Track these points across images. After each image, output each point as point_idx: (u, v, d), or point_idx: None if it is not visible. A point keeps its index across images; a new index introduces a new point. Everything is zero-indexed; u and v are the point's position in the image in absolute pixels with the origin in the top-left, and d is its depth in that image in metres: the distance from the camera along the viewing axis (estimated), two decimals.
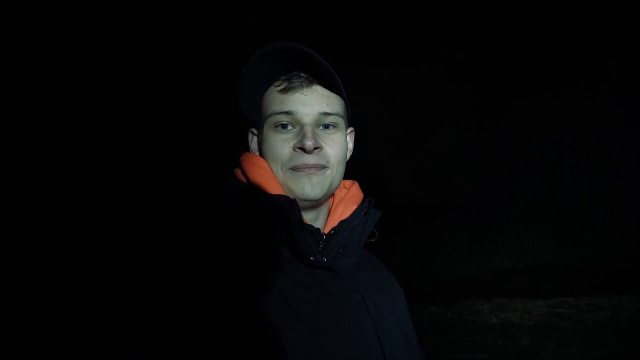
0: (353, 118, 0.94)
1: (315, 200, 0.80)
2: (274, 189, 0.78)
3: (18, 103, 5.33)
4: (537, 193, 8.82)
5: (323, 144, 0.79)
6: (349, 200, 0.87)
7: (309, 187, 0.78)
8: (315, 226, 0.81)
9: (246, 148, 0.90)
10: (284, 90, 0.79)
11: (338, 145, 0.81)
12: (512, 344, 4.26)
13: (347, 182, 0.91)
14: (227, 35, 7.02)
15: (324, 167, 0.79)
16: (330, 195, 0.84)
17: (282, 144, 0.79)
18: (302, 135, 0.77)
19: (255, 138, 0.87)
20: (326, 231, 0.83)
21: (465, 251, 8.54)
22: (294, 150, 0.78)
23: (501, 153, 8.76)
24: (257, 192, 0.78)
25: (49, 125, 5.70)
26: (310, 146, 0.76)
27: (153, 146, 6.83)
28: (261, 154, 0.84)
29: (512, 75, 8.58)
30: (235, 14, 7.16)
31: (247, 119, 0.88)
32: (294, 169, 0.78)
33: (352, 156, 0.95)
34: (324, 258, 0.78)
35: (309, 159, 0.78)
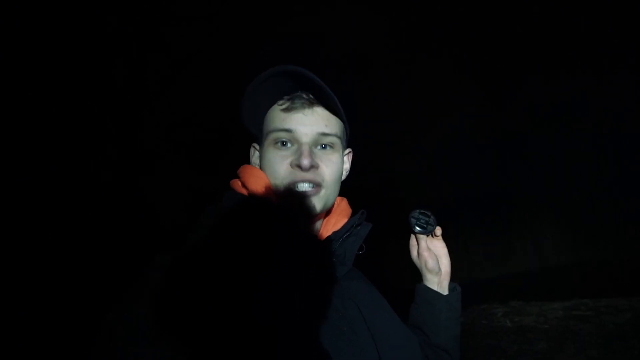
0: (356, 126, 0.95)
1: (309, 218, 0.83)
2: (271, 198, 0.80)
3: (31, 114, 5.45)
4: (553, 193, 8.67)
5: (320, 163, 0.82)
6: (340, 213, 0.90)
7: (301, 207, 0.81)
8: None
9: (246, 159, 0.93)
10: (287, 110, 0.82)
11: (334, 165, 0.84)
12: (528, 348, 4.17)
13: (337, 198, 0.93)
14: (229, 41, 7.08)
15: (319, 185, 0.82)
16: (323, 212, 0.86)
17: (279, 161, 0.81)
18: (299, 153, 0.80)
19: (257, 153, 0.90)
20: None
21: (479, 253, 8.44)
22: (291, 167, 0.81)
23: (515, 153, 8.65)
24: (255, 200, 0.80)
25: (63, 135, 5.83)
26: (306, 164, 0.79)
27: (160, 152, 6.92)
28: (261, 169, 0.86)
29: (524, 73, 8.46)
30: (236, 19, 7.22)
31: (249, 134, 0.91)
32: (291, 185, 0.80)
33: (361, 159, 0.96)
34: (320, 264, 0.80)
35: (305, 175, 0.80)
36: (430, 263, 1.00)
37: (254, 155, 0.92)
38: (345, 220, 0.88)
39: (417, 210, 1.02)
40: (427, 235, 1.02)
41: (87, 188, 5.87)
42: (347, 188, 0.95)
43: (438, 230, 1.02)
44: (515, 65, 8.45)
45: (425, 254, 1.01)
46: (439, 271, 1.01)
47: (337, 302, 0.78)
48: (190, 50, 7.06)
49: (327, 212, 0.89)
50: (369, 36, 7.70)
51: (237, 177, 0.87)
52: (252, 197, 0.81)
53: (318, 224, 0.88)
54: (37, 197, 5.20)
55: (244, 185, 0.84)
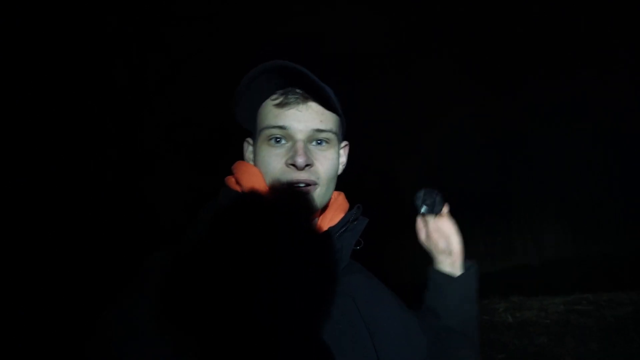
0: (356, 125, 0.94)
1: (306, 216, 0.82)
2: (266, 195, 0.79)
3: (31, 114, 5.45)
4: (553, 192, 8.67)
5: (315, 161, 0.80)
6: (337, 208, 0.89)
7: (297, 206, 0.80)
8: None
9: (240, 156, 0.92)
10: (280, 105, 0.80)
11: (329, 162, 0.82)
12: (529, 343, 4.18)
13: (334, 193, 0.91)
14: (229, 41, 7.08)
15: (314, 183, 0.80)
16: (319, 210, 0.86)
17: (274, 159, 0.80)
18: (293, 151, 0.79)
19: (251, 148, 0.89)
20: None
21: (480, 249, 8.44)
22: (286, 166, 0.79)
23: (515, 152, 8.64)
24: (250, 197, 0.79)
25: (63, 135, 5.84)
26: (301, 163, 0.77)
27: (160, 152, 6.92)
28: (255, 165, 0.85)
29: (524, 73, 8.46)
30: (236, 19, 7.22)
31: (242, 129, 0.90)
32: (286, 185, 0.79)
33: (360, 155, 0.95)
34: (316, 261, 0.79)
35: (300, 175, 0.79)
36: (441, 244, 0.99)
37: (248, 150, 0.90)
38: (342, 215, 0.87)
39: (422, 191, 0.99)
40: (435, 216, 0.99)
41: (87, 188, 5.87)
42: (347, 188, 0.94)
43: (445, 208, 1.00)
44: (515, 64, 8.45)
45: (434, 235, 1.00)
46: (450, 251, 0.99)
47: (335, 300, 0.77)
48: (190, 50, 7.06)
49: (324, 207, 0.88)
50: (369, 36, 7.69)
51: (232, 172, 0.86)
52: (246, 194, 0.80)
53: (315, 220, 0.87)
54: (37, 197, 5.20)
55: (238, 182, 0.83)
